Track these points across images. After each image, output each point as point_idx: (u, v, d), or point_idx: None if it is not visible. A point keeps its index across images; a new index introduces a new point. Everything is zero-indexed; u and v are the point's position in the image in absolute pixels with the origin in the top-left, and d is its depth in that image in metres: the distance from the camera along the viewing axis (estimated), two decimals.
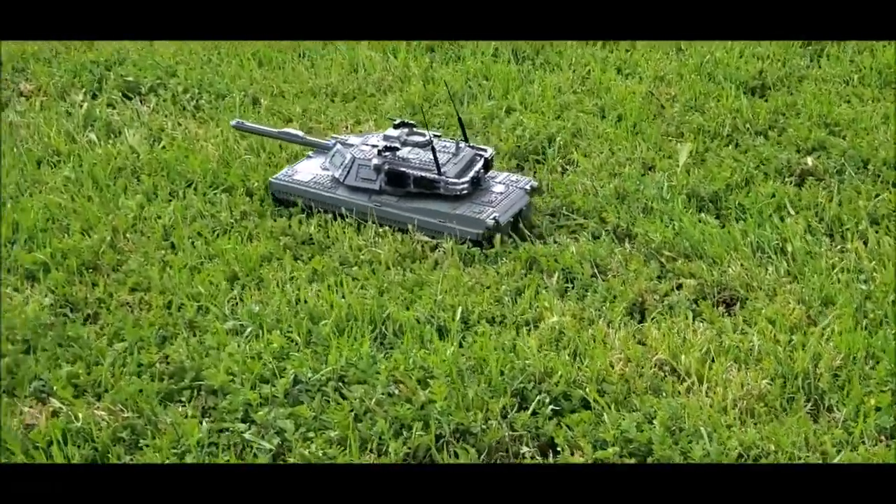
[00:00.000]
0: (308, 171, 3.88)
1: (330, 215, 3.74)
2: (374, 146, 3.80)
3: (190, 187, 3.92)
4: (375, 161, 3.72)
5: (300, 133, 4.07)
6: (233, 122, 4.17)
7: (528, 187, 3.75)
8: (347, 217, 3.71)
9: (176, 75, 4.88)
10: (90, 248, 3.55)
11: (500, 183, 3.76)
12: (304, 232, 3.67)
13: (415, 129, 3.84)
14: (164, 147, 4.24)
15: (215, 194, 3.89)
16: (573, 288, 3.38)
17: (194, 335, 3.15)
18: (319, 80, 4.83)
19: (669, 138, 4.26)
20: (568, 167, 4.08)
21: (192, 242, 3.61)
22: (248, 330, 3.16)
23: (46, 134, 4.31)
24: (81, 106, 4.50)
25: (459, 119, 3.88)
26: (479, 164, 3.74)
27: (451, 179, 3.66)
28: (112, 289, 3.39)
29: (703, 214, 3.70)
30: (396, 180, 3.71)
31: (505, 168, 4.00)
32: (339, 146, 3.89)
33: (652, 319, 3.21)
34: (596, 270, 3.43)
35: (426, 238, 3.62)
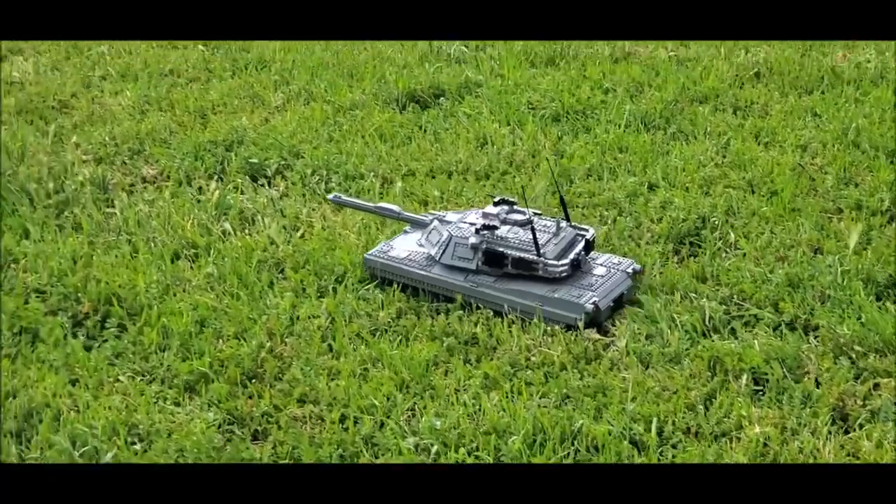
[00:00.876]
0: (404, 247, 3.79)
1: (490, 312, 3.59)
2: (472, 224, 3.68)
3: (340, 283, 3.74)
4: (473, 240, 3.62)
5: (396, 208, 3.96)
6: (330, 197, 4.10)
7: (630, 270, 3.62)
8: (441, 296, 3.65)
9: (301, 156, 4.72)
10: (249, 356, 3.38)
11: (601, 265, 3.64)
12: (467, 331, 3.49)
13: (515, 207, 3.71)
14: (303, 237, 4.08)
15: (367, 290, 3.71)
16: (765, 391, 3.17)
17: (376, 456, 2.98)
18: (448, 157, 4.67)
19: (829, 216, 4.06)
20: (728, 250, 3.87)
21: (353, 346, 3.43)
22: (434, 448, 2.98)
23: (180, 225, 4.15)
24: (212, 193, 4.34)
25: (561, 198, 3.75)
26: (580, 246, 3.61)
27: (550, 261, 3.54)
28: (278, 400, 3.22)
29: (884, 303, 3.49)
30: (494, 260, 3.60)
31: (659, 253, 3.81)
32: (436, 223, 3.79)
33: (859, 427, 3.00)
34: (785, 371, 3.22)
35: (597, 336, 3.43)
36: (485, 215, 3.68)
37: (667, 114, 4.97)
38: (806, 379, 3.21)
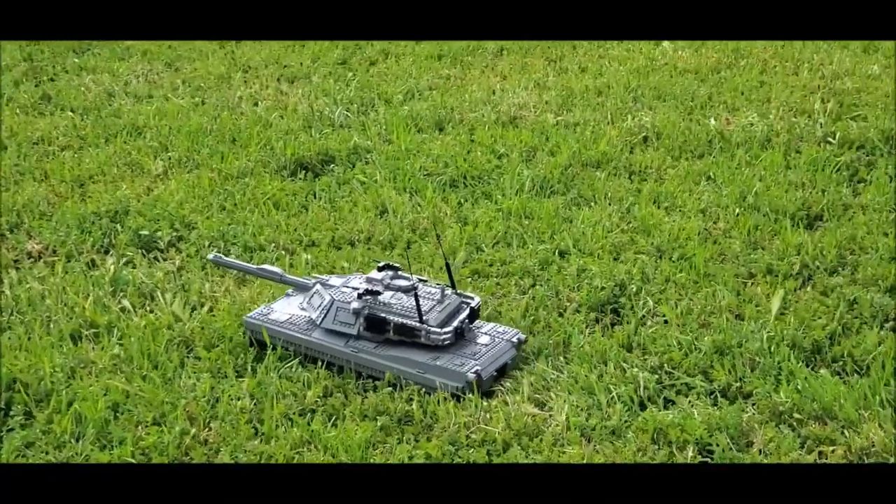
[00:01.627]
0: (285, 310, 3.71)
1: (422, 388, 3.47)
2: (354, 289, 3.61)
3: (259, 362, 3.57)
4: (355, 305, 3.54)
5: (279, 271, 3.89)
6: (210, 256, 4.03)
7: (515, 340, 3.58)
8: (321, 362, 3.58)
9: (194, 227, 4.53)
10: (173, 443, 3.18)
11: (485, 334, 3.59)
12: (400, 409, 3.35)
13: (399, 273, 3.64)
14: (211, 312, 3.89)
15: (290, 367, 3.55)
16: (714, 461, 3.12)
17: None
18: (348, 225, 4.54)
19: (742, 280, 4.05)
20: (649, 318, 3.83)
21: (283, 428, 3.26)
22: None
23: (76, 303, 3.92)
24: (108, 268, 4.12)
25: (447, 264, 3.66)
26: (465, 314, 3.55)
27: (433, 328, 3.48)
28: None
29: (816, 368, 3.48)
30: (376, 326, 3.53)
31: (581, 322, 3.75)
32: (318, 287, 3.70)
33: None
34: (730, 442, 3.17)
35: (535, 410, 3.34)
36: (368, 280, 3.62)
37: (564, 179, 4.92)
38: (753, 449, 3.15)
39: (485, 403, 3.37)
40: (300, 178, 5.05)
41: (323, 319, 3.62)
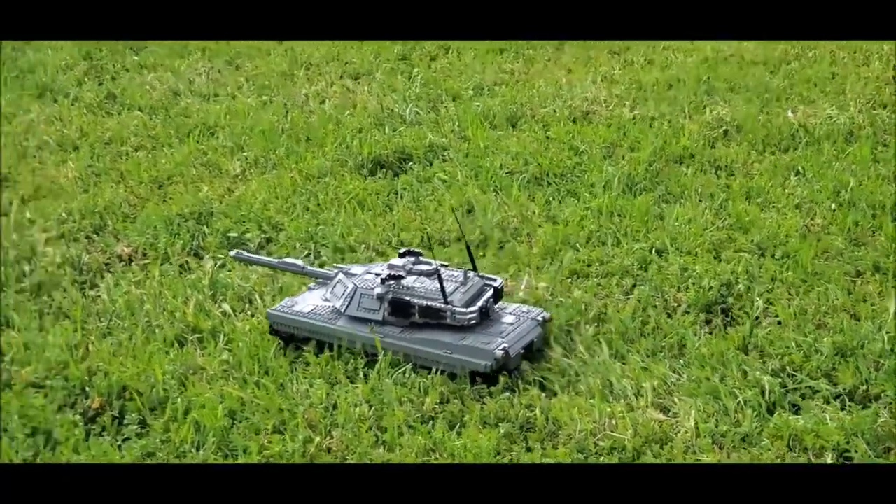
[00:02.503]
0: (309, 302, 3.71)
1: (537, 389, 3.42)
2: (377, 275, 3.62)
3: (370, 366, 3.51)
4: (378, 290, 3.56)
5: (300, 263, 3.90)
6: (232, 253, 4.05)
7: (540, 318, 3.59)
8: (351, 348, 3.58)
9: (281, 228, 4.47)
10: (298, 452, 3.12)
11: (510, 314, 3.60)
12: (522, 415, 3.29)
13: (421, 259, 3.66)
14: None
15: (403, 373, 3.48)
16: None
17: None
18: (436, 225, 4.47)
19: (850, 278, 3.97)
20: (761, 318, 3.75)
21: (406, 436, 3.20)
22: None
23: (176, 308, 3.86)
24: (207, 272, 4.06)
25: (468, 247, 3.68)
26: (488, 294, 3.56)
27: (458, 308, 3.49)
28: None
29: None
30: (400, 310, 3.56)
31: (695, 323, 3.70)
32: (341, 276, 3.71)
33: None
34: (868, 448, 3.10)
35: (661, 416, 3.27)
36: (390, 267, 3.62)
37: (649, 175, 4.84)
38: (892, 454, 3.08)
39: (608, 409, 3.28)
40: (380, 177, 4.98)
41: (347, 307, 3.62)
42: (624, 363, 3.54)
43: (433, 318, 3.53)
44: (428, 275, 3.61)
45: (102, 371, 3.52)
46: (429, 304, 3.53)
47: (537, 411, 3.30)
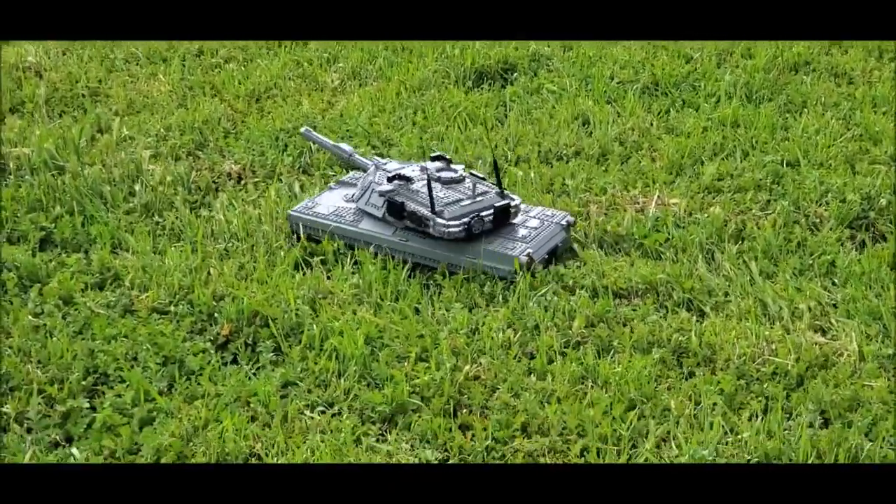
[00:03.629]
0: (330, 203, 3.74)
1: (685, 311, 3.29)
2: (393, 175, 3.60)
3: (508, 289, 3.35)
4: (382, 188, 3.56)
5: (349, 149, 4.01)
6: (302, 130, 4.21)
7: (564, 222, 3.58)
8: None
9: (392, 143, 4.29)
10: (448, 381, 2.98)
11: (534, 217, 3.59)
12: (675, 339, 3.12)
13: (451, 166, 3.64)
14: None
15: (544, 297, 3.32)
16: None
17: None
18: (551, 139, 4.29)
19: None
20: None
21: (554, 361, 3.05)
22: None
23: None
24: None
25: (495, 163, 3.62)
26: (488, 213, 3.49)
27: (439, 220, 3.43)
28: (499, 432, 2.83)
29: None
30: (394, 211, 3.54)
31: (840, 239, 3.59)
32: (372, 168, 3.75)
33: None
34: None
35: (821, 339, 3.10)
36: (422, 169, 3.60)
37: (767, 84, 4.62)
38: None
39: (766, 332, 3.12)
40: (485, 89, 4.78)
41: (360, 198, 3.66)
42: (773, 283, 3.36)
43: (419, 225, 3.49)
44: (453, 182, 3.58)
45: (230, 296, 3.36)
46: (416, 210, 3.48)
47: (692, 335, 3.13)
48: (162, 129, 4.49)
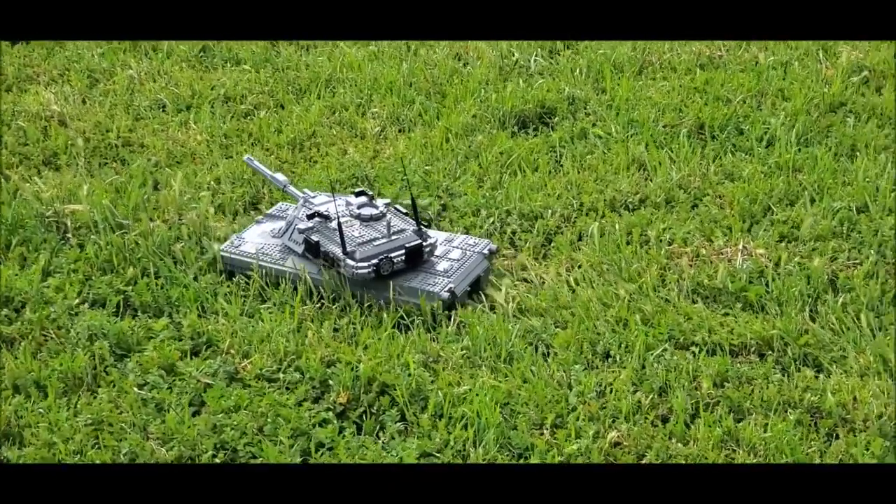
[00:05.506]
0: (256, 239, 3.80)
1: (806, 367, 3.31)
2: (312, 213, 3.68)
3: (623, 348, 3.31)
4: (301, 225, 3.64)
5: (283, 179, 3.99)
6: (245, 158, 4.20)
7: (486, 251, 3.66)
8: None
9: (455, 194, 4.24)
10: (597, 450, 2.93)
11: (457, 248, 3.65)
12: (808, 399, 3.11)
13: (372, 202, 3.72)
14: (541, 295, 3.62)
15: (662, 354, 3.29)
16: None
17: None
18: (614, 186, 4.27)
19: None
20: None
21: (690, 426, 3.02)
22: None
23: None
24: None
25: (412, 200, 3.70)
26: (399, 252, 3.56)
27: (349, 262, 3.51)
28: None
29: None
30: (312, 250, 3.62)
31: None
32: (301, 201, 3.81)
33: None
34: None
35: None
36: (347, 203, 3.68)
37: (815, 127, 4.66)
38: None
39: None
40: (530, 134, 4.75)
41: (283, 234, 3.72)
42: (885, 335, 3.37)
43: (332, 265, 3.57)
44: (372, 219, 3.65)
45: (343, 361, 3.28)
46: (328, 250, 3.56)
47: (826, 394, 3.12)
48: (212, 182, 4.37)
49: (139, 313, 3.62)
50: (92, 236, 3.95)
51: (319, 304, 3.61)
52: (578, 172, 4.45)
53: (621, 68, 5.36)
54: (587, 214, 4.14)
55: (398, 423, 3.11)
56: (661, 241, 3.90)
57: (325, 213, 3.66)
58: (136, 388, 3.23)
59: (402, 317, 3.54)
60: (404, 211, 3.77)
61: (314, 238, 3.60)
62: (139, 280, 3.73)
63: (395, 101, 5.08)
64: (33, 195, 4.22)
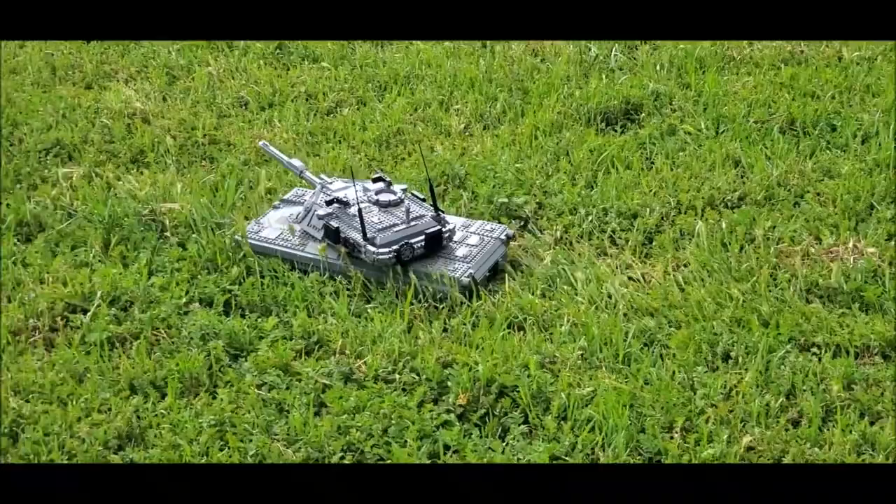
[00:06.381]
0: (275, 224, 3.81)
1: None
2: (331, 199, 3.69)
3: (749, 351, 3.26)
4: (320, 211, 3.65)
5: (300, 165, 3.99)
6: (260, 143, 4.19)
7: (503, 237, 3.68)
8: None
9: (547, 192, 4.19)
10: (733, 455, 2.88)
11: (474, 233, 3.67)
12: None
13: (390, 188, 3.72)
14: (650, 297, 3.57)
15: (785, 355, 3.24)
16: None
17: None
18: (709, 183, 4.21)
19: None
20: None
21: (824, 430, 2.97)
22: None
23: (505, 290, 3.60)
24: (545, 252, 3.80)
25: (430, 185, 3.69)
26: (419, 239, 3.57)
27: (370, 247, 3.52)
28: None
29: None
30: (331, 236, 3.62)
31: None
32: (318, 187, 3.80)
33: None
34: None
35: None
36: (365, 189, 3.66)
37: None
38: None
39: None
40: (618, 130, 4.70)
41: (303, 220, 3.73)
42: None
43: (353, 251, 3.57)
44: (391, 205, 3.66)
45: (460, 362, 3.25)
46: (348, 236, 3.56)
47: None
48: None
49: (247, 312, 3.57)
50: (192, 235, 3.91)
51: (427, 305, 3.55)
52: (671, 170, 4.38)
53: (704, 63, 5.29)
54: (685, 213, 4.08)
55: (522, 426, 3.05)
56: (768, 239, 3.84)
57: (344, 199, 3.66)
58: (254, 388, 3.18)
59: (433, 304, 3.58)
60: (421, 197, 3.78)
61: (334, 224, 3.60)
62: (245, 279, 3.68)
63: (478, 97, 5.03)
64: (128, 193, 4.18)
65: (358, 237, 3.56)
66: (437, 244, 3.63)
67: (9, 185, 4.37)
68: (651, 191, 4.23)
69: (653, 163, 4.46)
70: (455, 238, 3.67)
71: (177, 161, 4.54)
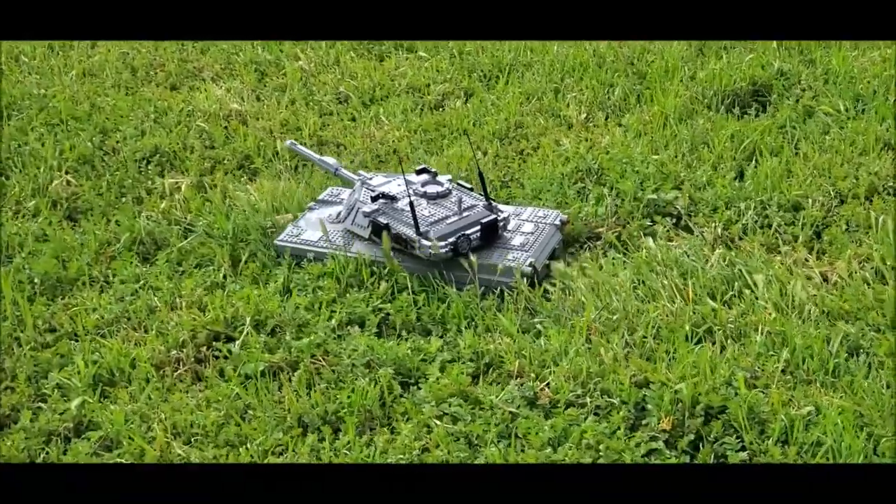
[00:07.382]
0: (315, 226, 3.64)
1: None
2: (377, 194, 3.53)
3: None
4: (366, 208, 3.49)
5: (334, 163, 3.89)
6: (287, 142, 4.07)
7: (558, 222, 3.56)
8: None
9: (700, 186, 3.91)
10: None
11: (528, 221, 3.54)
12: None
13: (436, 179, 3.57)
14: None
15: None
16: None
17: None
18: (864, 170, 3.92)
19: None
20: None
21: None
22: None
23: (651, 294, 3.32)
24: (653, 246, 3.52)
25: (480, 173, 3.53)
26: (474, 229, 3.41)
27: (425, 241, 3.35)
28: None
29: None
30: (379, 232, 3.46)
31: None
32: (357, 184, 3.65)
33: None
34: None
35: None
36: (408, 183, 3.46)
37: None
38: None
39: None
40: (751, 115, 4.41)
41: (346, 218, 3.56)
42: None
43: (405, 247, 3.41)
44: (439, 196, 3.51)
45: (656, 381, 2.97)
46: (400, 232, 3.40)
47: None
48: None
49: (404, 332, 3.30)
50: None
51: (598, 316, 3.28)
52: (819, 155, 4.08)
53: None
54: (845, 202, 3.80)
55: (740, 452, 2.77)
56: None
57: (392, 194, 3.48)
58: (436, 421, 2.90)
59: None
60: (469, 186, 3.59)
61: (382, 220, 3.42)
62: (396, 296, 3.41)
63: (594, 84, 4.73)
64: (248, 204, 3.90)
65: (410, 232, 3.37)
66: (493, 234, 3.44)
67: (113, 199, 4.06)
68: (805, 179, 3.93)
69: (797, 149, 4.15)
70: (509, 227, 3.48)
71: (288, 167, 4.24)
